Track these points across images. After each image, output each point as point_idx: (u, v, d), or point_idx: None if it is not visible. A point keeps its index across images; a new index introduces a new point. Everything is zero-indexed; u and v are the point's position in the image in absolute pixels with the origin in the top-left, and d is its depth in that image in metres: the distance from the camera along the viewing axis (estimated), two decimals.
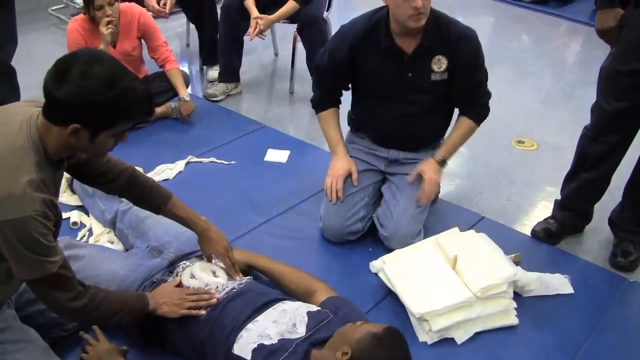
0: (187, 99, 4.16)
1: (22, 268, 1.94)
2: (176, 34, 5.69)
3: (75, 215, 3.23)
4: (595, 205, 3.27)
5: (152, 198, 2.52)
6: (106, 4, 3.75)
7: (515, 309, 2.73)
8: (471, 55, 2.99)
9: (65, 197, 3.37)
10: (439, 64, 2.98)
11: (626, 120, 2.90)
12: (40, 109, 1.94)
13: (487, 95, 3.11)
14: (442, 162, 3.13)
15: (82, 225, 3.19)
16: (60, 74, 1.84)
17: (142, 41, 4.14)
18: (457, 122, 3.15)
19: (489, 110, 3.15)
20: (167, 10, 4.45)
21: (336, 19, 3.23)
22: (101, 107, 1.87)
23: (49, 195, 1.92)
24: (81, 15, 3.91)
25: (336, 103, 3.26)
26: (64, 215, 3.16)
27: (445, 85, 3.02)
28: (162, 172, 3.64)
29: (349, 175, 3.16)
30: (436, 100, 3.07)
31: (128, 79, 1.90)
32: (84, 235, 3.12)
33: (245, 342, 2.21)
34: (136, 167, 3.46)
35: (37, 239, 1.88)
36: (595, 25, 2.90)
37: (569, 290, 2.92)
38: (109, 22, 3.77)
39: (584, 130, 3.09)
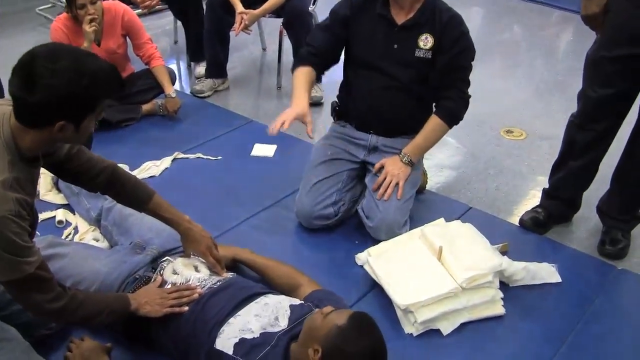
0: (173, 95, 4.14)
1: None
2: (164, 32, 5.67)
3: (60, 214, 3.21)
4: (584, 194, 3.26)
5: (134, 195, 2.49)
6: (88, 2, 3.73)
7: (501, 299, 2.71)
8: (457, 36, 3.01)
9: (51, 195, 3.35)
10: (425, 42, 3.00)
11: (612, 107, 2.89)
12: None
13: (466, 83, 3.09)
14: (407, 161, 3.11)
15: (68, 224, 3.17)
16: (27, 79, 1.81)
17: (127, 39, 4.11)
18: (427, 120, 3.13)
19: (464, 103, 3.11)
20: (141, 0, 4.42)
21: (325, 12, 3.22)
22: (79, 97, 1.86)
23: (23, 195, 1.90)
24: (64, 14, 3.89)
25: (317, 66, 3.19)
26: (50, 214, 3.21)
27: (427, 64, 3.03)
28: (148, 169, 3.62)
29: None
30: (417, 78, 3.07)
31: (93, 61, 1.89)
32: (70, 234, 3.10)
33: (227, 336, 2.19)
34: (122, 165, 3.49)
35: (11, 239, 1.85)
36: (580, 12, 2.89)
37: (557, 279, 2.90)
38: (91, 20, 3.74)
39: (570, 118, 3.07)
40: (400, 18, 3.02)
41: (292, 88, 3.12)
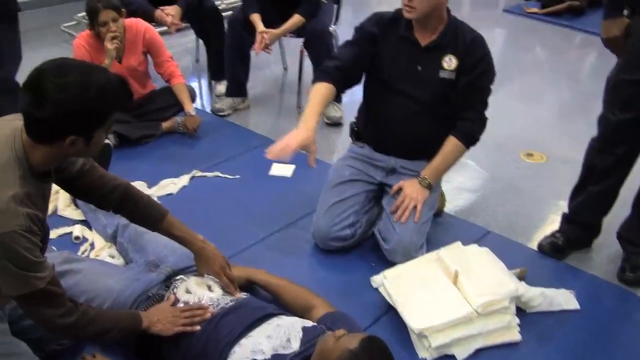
0: (193, 113, 4.16)
1: (8, 284, 1.92)
2: (186, 50, 5.70)
3: (77, 230, 3.22)
4: (604, 219, 3.21)
5: (147, 215, 2.49)
6: (110, 20, 3.77)
7: (518, 324, 2.67)
8: (480, 57, 3.00)
9: (69, 211, 3.37)
10: (449, 63, 2.99)
11: (632, 131, 2.85)
12: None
13: (485, 105, 3.07)
14: (426, 184, 3.08)
15: (85, 240, 3.18)
16: (36, 94, 1.82)
17: (148, 56, 4.15)
18: (445, 141, 3.09)
19: (482, 125, 3.09)
20: (171, 21, 4.44)
21: (347, 32, 3.22)
22: (89, 111, 1.87)
23: (34, 210, 1.90)
24: (87, 32, 3.93)
25: (339, 83, 3.08)
26: (67, 229, 3.22)
27: (451, 85, 3.01)
28: (166, 187, 3.63)
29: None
30: (440, 100, 3.04)
31: (101, 74, 1.90)
32: (86, 250, 3.10)
33: (238, 357, 2.18)
34: (140, 182, 3.52)
35: (22, 254, 1.86)
36: (601, 35, 2.87)
37: (575, 305, 2.86)
38: (113, 38, 3.77)
39: (590, 142, 3.04)
40: (424, 40, 3.01)
41: (307, 105, 3.03)
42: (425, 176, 3.09)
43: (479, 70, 3.00)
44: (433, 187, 3.11)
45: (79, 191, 2.38)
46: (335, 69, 3.05)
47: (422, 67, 3.02)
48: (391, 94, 3.09)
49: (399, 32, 3.03)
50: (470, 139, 3.09)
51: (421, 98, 3.04)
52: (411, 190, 3.06)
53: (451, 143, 3.07)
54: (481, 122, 3.08)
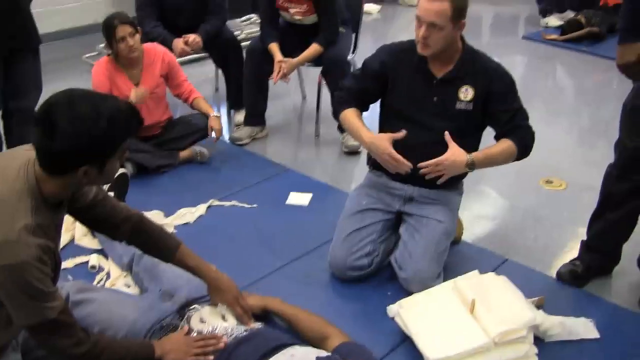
0: (217, 114, 4.18)
1: (20, 314, 1.94)
2: (206, 79, 5.73)
3: (94, 259, 3.23)
4: (625, 246, 3.17)
5: (160, 246, 2.50)
6: (128, 34, 3.84)
7: (536, 354, 2.63)
8: (508, 85, 3.00)
9: (86, 240, 3.38)
10: (466, 94, 2.98)
11: None
12: None
13: (527, 118, 3.04)
14: (470, 161, 2.92)
15: (101, 269, 3.19)
16: (48, 127, 1.84)
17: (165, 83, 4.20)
18: (498, 142, 3.04)
19: (531, 139, 3.03)
20: (188, 49, 4.51)
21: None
22: (100, 141, 1.89)
23: (45, 240, 1.92)
24: (105, 58, 4.01)
25: (360, 107, 3.19)
26: (84, 258, 3.24)
27: (468, 117, 3.00)
28: (183, 216, 3.64)
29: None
30: (458, 131, 3.00)
31: (110, 103, 1.92)
32: (102, 279, 3.12)
33: None
34: (156, 211, 3.54)
35: (33, 284, 1.87)
36: (616, 60, 2.86)
37: (594, 334, 2.82)
38: (132, 52, 3.88)
39: (608, 169, 3.01)
40: (438, 71, 3.00)
41: (350, 130, 3.17)
42: (473, 157, 2.92)
43: (512, 96, 3.00)
44: (474, 168, 2.97)
45: (92, 221, 2.39)
46: (351, 97, 3.16)
47: (438, 98, 3.01)
48: (407, 124, 3.06)
49: (413, 63, 3.02)
50: (525, 148, 3.01)
51: (438, 129, 3.01)
52: (452, 161, 2.89)
53: (505, 142, 2.99)
54: (532, 133, 3.03)
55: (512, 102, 3.02)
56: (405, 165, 2.93)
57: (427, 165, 2.89)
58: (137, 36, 3.92)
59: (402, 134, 2.96)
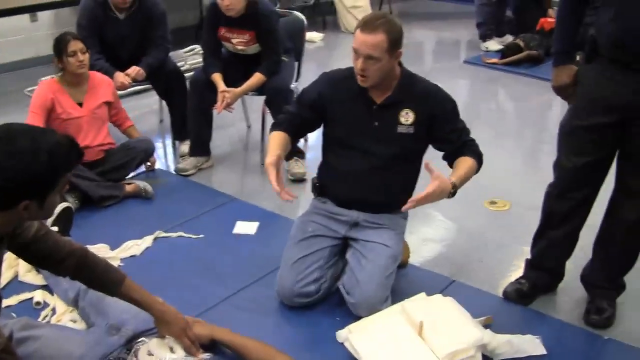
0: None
1: None
2: (151, 111, 5.71)
3: (39, 295, 3.17)
4: (568, 263, 3.23)
5: (105, 280, 2.46)
6: (79, 50, 3.94)
7: None
8: (450, 107, 3.06)
9: (30, 276, 3.31)
10: (407, 117, 3.01)
11: (588, 175, 2.89)
12: None
13: (475, 142, 3.09)
14: (454, 192, 2.88)
15: (46, 305, 3.13)
16: None
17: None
18: (456, 162, 3.02)
19: (482, 154, 3.07)
20: (129, 81, 4.52)
21: None
22: (40, 175, 1.87)
23: None
24: (50, 78, 4.10)
25: (291, 133, 3.17)
26: (28, 295, 3.17)
27: (410, 140, 3.04)
28: (129, 249, 3.59)
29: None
30: (400, 155, 3.06)
31: (49, 137, 1.91)
32: (47, 315, 3.05)
33: None
34: (102, 245, 3.50)
35: None
36: (551, 83, 2.93)
37: (541, 351, 2.85)
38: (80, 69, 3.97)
39: (548, 188, 3.07)
40: (378, 96, 3.02)
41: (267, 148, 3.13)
42: (456, 183, 2.87)
43: (454, 117, 3.06)
44: (454, 194, 2.90)
45: (34, 257, 2.36)
46: (287, 121, 3.19)
47: (379, 123, 3.04)
48: (349, 151, 3.11)
49: (352, 91, 3.04)
50: (480, 158, 3.04)
51: (380, 154, 3.06)
52: (440, 191, 2.78)
53: (467, 160, 2.99)
54: (477, 145, 3.08)
55: (457, 122, 3.07)
56: (284, 195, 2.89)
57: (414, 201, 2.77)
58: (87, 55, 4.00)
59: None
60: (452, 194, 2.86)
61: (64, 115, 3.98)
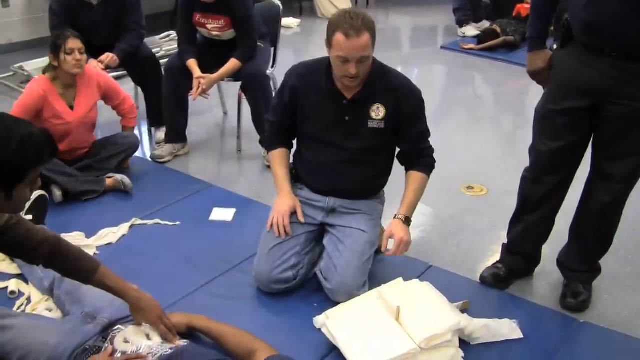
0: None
1: None
2: None
3: (13, 284, 3.14)
4: (544, 247, 3.25)
5: (79, 268, 2.44)
6: (77, 49, 3.84)
7: (462, 358, 2.67)
8: (416, 104, 3.04)
9: (4, 265, 3.28)
10: (377, 112, 3.00)
11: (563, 159, 2.90)
12: None
13: (431, 148, 3.12)
14: (406, 220, 3.04)
15: (21, 294, 3.10)
16: None
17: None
18: (408, 177, 3.12)
19: (434, 161, 3.14)
20: (102, 67, 4.43)
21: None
22: (8, 164, 1.84)
23: None
24: (42, 76, 3.95)
25: (286, 144, 3.27)
26: (3, 284, 3.13)
27: (381, 134, 3.03)
28: (105, 236, 3.57)
29: (294, 213, 3.15)
30: (372, 148, 3.06)
31: (23, 127, 1.88)
32: (22, 304, 3.02)
33: None
34: (78, 233, 3.47)
35: None
36: (527, 68, 2.94)
37: (518, 335, 2.87)
38: (76, 69, 3.86)
39: (524, 173, 3.09)
40: (348, 92, 2.99)
41: (273, 176, 3.23)
42: (405, 214, 3.03)
43: (418, 118, 3.05)
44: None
45: (6, 246, 2.33)
46: (276, 133, 3.24)
47: (349, 118, 3.02)
48: (322, 144, 3.11)
49: (321, 86, 3.02)
50: (431, 168, 3.13)
51: (353, 148, 3.06)
52: (402, 234, 2.97)
53: (418, 177, 3.09)
54: (432, 151, 3.12)
55: (420, 121, 3.07)
56: (284, 234, 3.10)
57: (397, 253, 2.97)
58: (85, 56, 3.91)
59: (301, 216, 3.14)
60: (408, 223, 3.04)
61: (53, 119, 3.87)
